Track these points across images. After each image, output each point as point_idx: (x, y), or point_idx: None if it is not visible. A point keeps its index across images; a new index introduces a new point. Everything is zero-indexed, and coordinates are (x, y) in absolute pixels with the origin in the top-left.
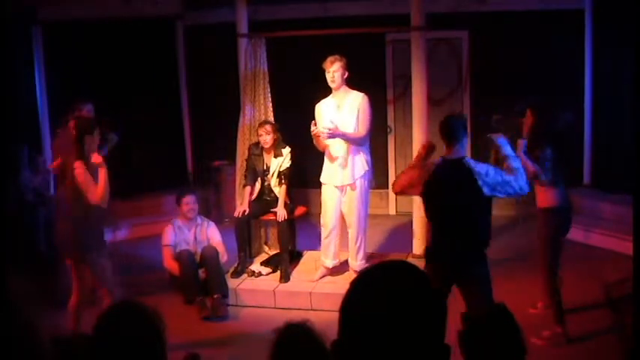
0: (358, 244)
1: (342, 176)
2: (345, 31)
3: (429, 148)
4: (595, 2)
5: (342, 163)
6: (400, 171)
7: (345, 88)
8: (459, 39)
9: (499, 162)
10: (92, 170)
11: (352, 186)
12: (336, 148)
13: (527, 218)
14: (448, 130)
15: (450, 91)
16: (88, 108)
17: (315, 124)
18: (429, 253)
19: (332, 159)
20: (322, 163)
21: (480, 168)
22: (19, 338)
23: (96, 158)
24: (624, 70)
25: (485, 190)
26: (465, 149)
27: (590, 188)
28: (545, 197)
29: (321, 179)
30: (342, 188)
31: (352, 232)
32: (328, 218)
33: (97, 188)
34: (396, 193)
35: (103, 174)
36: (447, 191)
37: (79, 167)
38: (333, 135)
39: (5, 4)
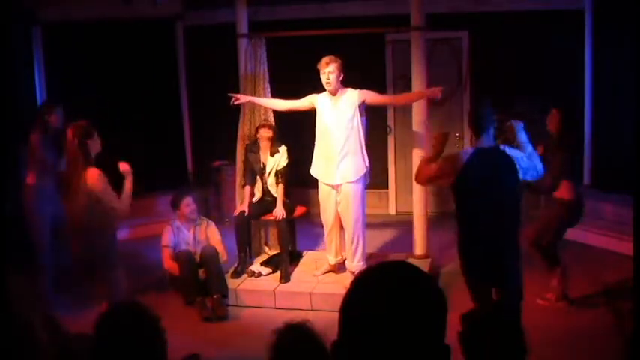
0: (355, 246)
1: (341, 174)
2: (344, 32)
3: (443, 138)
4: (595, 2)
5: (341, 160)
6: (399, 170)
7: (340, 88)
8: (459, 39)
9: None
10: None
11: (348, 185)
12: (335, 144)
13: (527, 218)
14: (478, 119)
15: (450, 91)
16: (58, 111)
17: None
18: (467, 246)
19: (330, 155)
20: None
21: (515, 154)
22: (19, 338)
23: (122, 166)
24: (624, 70)
25: (521, 175)
26: (492, 138)
27: (590, 188)
28: (564, 189)
29: (314, 173)
30: (337, 187)
31: (348, 233)
32: (327, 216)
33: (122, 199)
34: (421, 184)
35: (129, 184)
36: (492, 179)
37: (93, 176)
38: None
39: (5, 5)
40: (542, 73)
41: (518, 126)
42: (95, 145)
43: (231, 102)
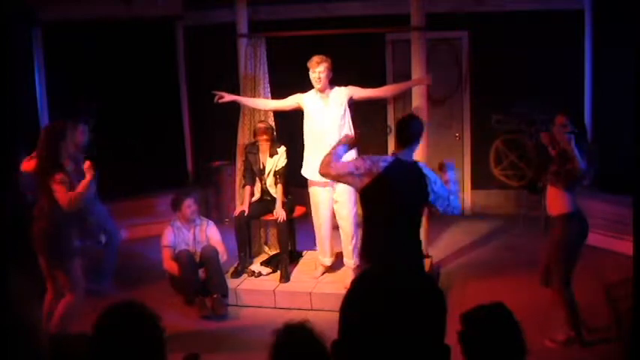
0: (354, 242)
1: None
2: (345, 32)
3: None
4: (595, 2)
5: None
6: None
7: (328, 88)
8: (458, 39)
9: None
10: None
11: None
12: (330, 142)
13: (527, 218)
14: (409, 131)
15: (450, 91)
16: (83, 129)
17: (222, 97)
18: (369, 252)
19: (324, 154)
20: None
21: (431, 175)
22: (19, 338)
23: (86, 165)
24: (624, 71)
25: (431, 197)
26: (414, 153)
27: (590, 188)
28: (558, 204)
29: (307, 174)
30: (332, 184)
31: (346, 230)
32: (321, 217)
33: (71, 194)
34: (323, 175)
35: (85, 182)
36: (401, 190)
37: (58, 183)
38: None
39: (5, 5)
40: (542, 73)
41: (450, 165)
42: (67, 147)
43: (215, 100)
